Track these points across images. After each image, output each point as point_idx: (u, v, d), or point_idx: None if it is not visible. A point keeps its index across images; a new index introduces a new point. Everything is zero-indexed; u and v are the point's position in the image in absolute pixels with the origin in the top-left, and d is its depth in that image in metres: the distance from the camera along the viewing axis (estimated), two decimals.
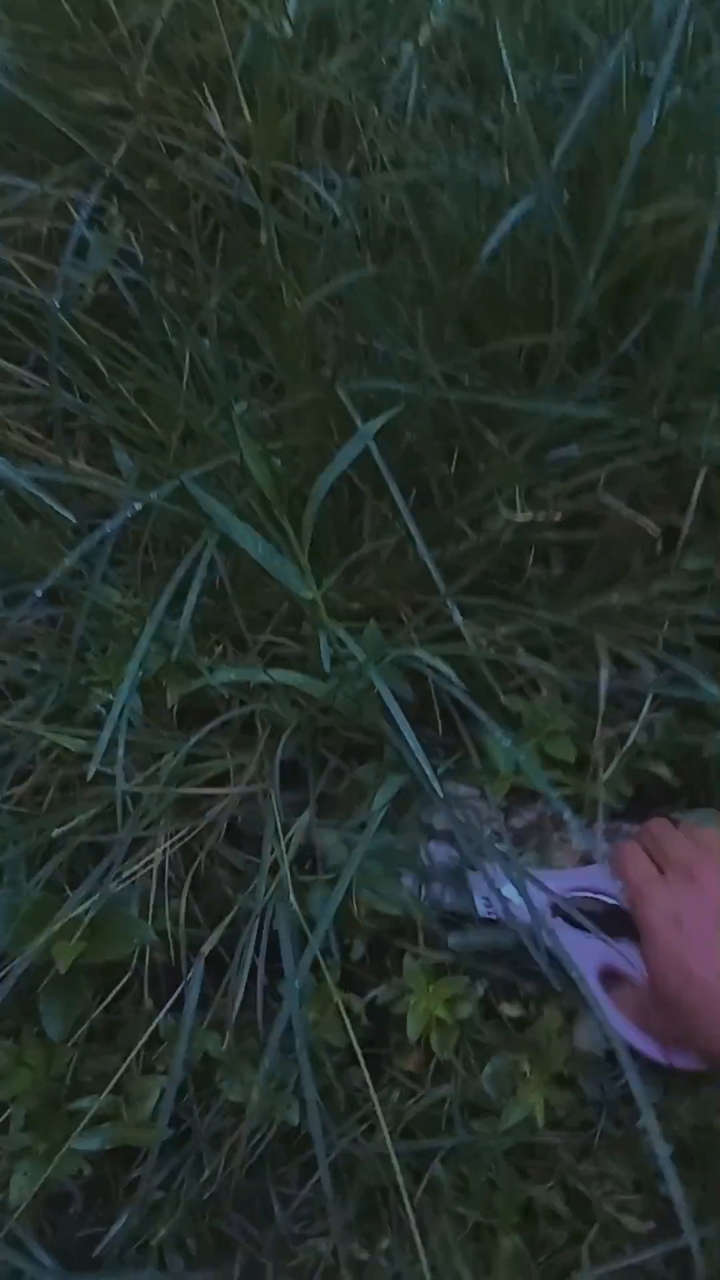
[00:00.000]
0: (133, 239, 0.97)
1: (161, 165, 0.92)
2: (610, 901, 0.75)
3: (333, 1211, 0.74)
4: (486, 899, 0.77)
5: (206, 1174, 0.76)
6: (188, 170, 0.89)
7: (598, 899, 0.76)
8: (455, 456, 0.87)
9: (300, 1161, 0.80)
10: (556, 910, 0.74)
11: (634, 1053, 0.68)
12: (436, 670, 0.76)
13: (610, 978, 0.73)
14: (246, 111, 0.87)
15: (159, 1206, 0.77)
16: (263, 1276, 0.78)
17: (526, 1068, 0.76)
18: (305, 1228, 0.80)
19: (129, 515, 0.76)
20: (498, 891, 0.75)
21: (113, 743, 0.71)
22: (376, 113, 0.87)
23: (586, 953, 0.72)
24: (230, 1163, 0.75)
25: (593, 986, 0.70)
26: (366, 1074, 0.71)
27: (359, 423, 0.82)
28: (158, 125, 0.91)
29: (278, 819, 0.75)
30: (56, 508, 0.75)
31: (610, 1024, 0.69)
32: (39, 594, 0.74)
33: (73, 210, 0.95)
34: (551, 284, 0.80)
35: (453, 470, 0.87)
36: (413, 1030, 0.74)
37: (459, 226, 0.79)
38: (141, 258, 0.94)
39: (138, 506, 0.77)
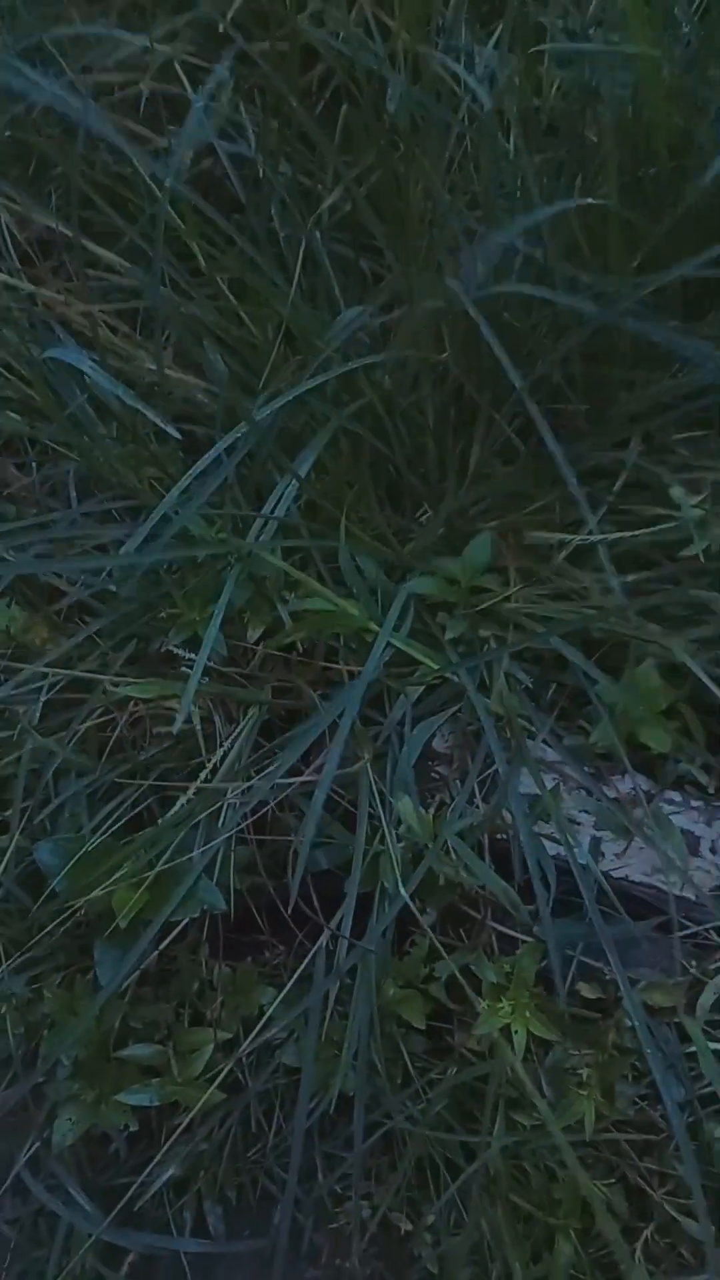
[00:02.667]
0: (241, 108, 0.86)
1: (284, 21, 0.80)
2: None
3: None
4: None
5: (253, 1129, 0.74)
6: (313, 29, 0.77)
7: None
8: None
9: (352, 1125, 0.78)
10: None
11: None
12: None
13: None
14: None
15: (201, 1155, 0.75)
16: (301, 1234, 0.76)
17: (584, 1073, 0.72)
18: (349, 1189, 0.77)
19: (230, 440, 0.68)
20: None
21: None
22: None
23: None
24: (279, 1124, 0.72)
25: None
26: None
27: (487, 335, 0.72)
28: None
29: (372, 787, 0.69)
30: (157, 420, 0.66)
31: None
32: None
33: (179, 70, 0.84)
34: None
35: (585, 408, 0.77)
36: (487, 1010, 0.70)
37: (646, 122, 0.67)
38: (252, 131, 0.83)
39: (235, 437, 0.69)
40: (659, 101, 0.67)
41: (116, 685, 0.69)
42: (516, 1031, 0.67)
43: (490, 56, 0.77)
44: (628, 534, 0.70)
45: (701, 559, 0.68)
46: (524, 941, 0.73)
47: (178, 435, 0.68)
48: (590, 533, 0.70)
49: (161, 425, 0.65)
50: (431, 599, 0.76)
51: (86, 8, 0.85)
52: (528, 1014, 0.67)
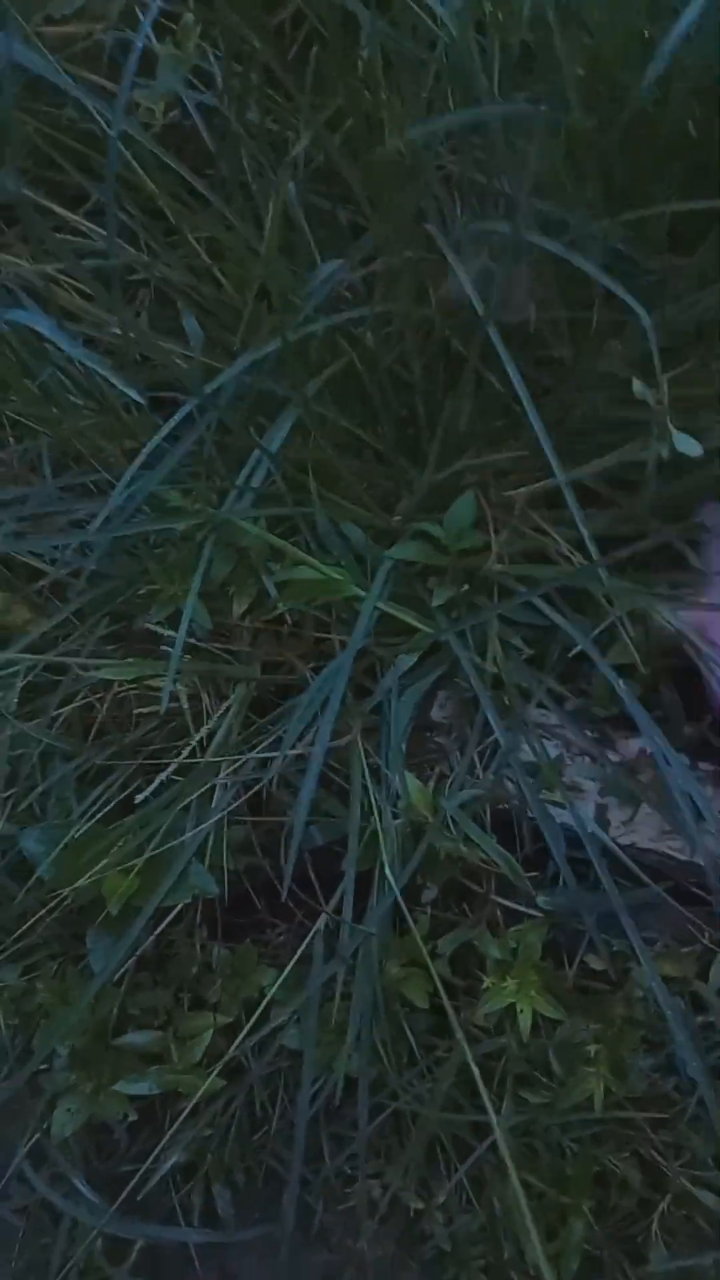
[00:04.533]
0: (209, 55, 0.82)
1: None
2: None
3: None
4: None
5: (259, 1113, 0.72)
6: None
7: None
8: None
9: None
10: None
11: None
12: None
13: None
14: None
15: (207, 1140, 0.74)
16: (311, 1216, 0.75)
17: (593, 1048, 0.70)
18: (358, 1170, 0.76)
19: (197, 402, 0.65)
20: None
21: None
22: None
23: None
24: (284, 1107, 0.70)
25: None
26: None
27: (466, 284, 0.69)
28: None
29: (363, 760, 0.66)
30: (123, 386, 0.63)
31: None
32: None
33: (140, 15, 0.80)
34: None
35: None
36: (492, 989, 0.68)
37: (616, 44, 0.63)
38: (219, 78, 0.79)
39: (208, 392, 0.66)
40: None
41: (96, 668, 0.67)
42: (522, 1011, 0.65)
43: None
44: (586, 470, 0.67)
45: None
46: (529, 916, 0.71)
47: (141, 400, 0.65)
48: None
49: (122, 388, 0.62)
50: (419, 565, 0.73)
51: None
52: (533, 993, 0.65)
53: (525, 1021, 0.66)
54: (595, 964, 0.72)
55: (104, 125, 0.78)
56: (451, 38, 0.72)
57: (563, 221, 0.67)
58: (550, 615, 0.72)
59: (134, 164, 0.78)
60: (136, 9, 0.81)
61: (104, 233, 0.81)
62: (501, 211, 0.72)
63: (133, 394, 0.63)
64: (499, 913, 0.73)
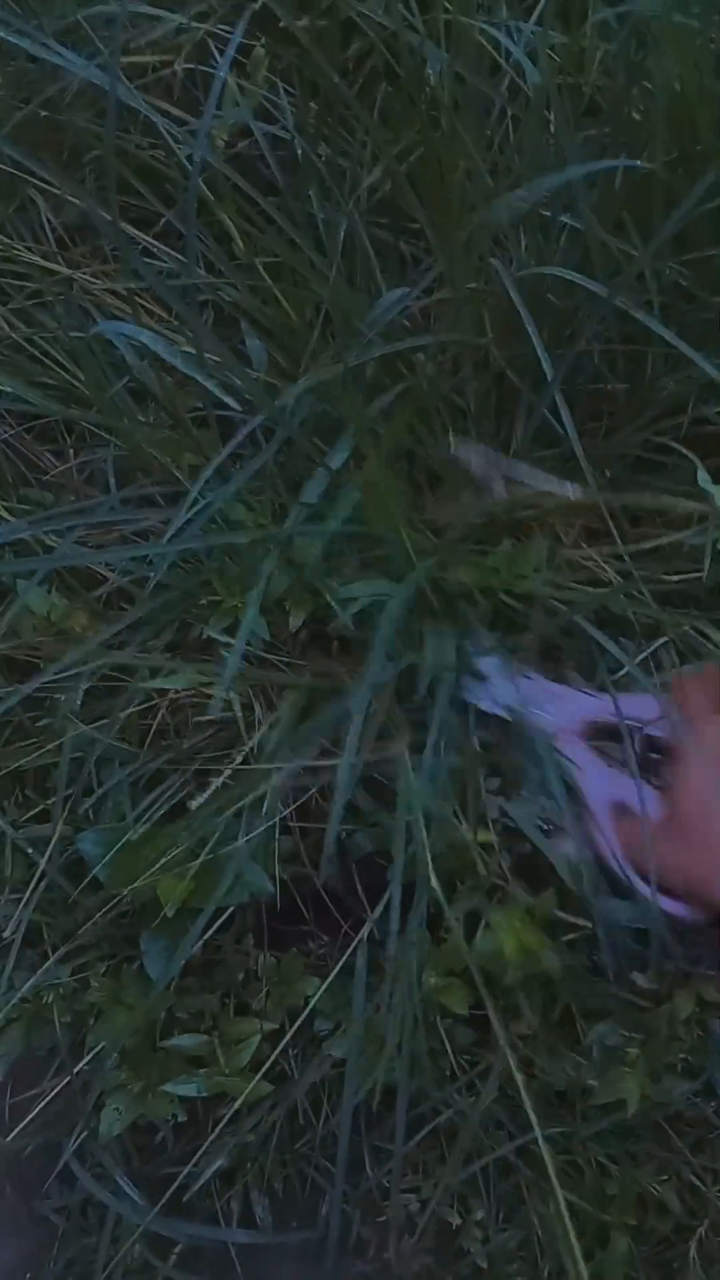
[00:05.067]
0: (279, 88, 0.85)
1: None
2: (643, 731, 0.70)
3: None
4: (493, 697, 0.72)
5: (301, 1121, 0.73)
6: (354, 2, 0.76)
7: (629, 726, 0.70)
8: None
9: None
10: (589, 732, 0.71)
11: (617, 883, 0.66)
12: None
13: (621, 812, 0.68)
14: None
15: (248, 1146, 0.74)
16: (349, 1227, 0.75)
17: (634, 1051, 0.70)
18: (397, 1182, 0.76)
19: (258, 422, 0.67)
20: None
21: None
22: None
23: (599, 778, 0.69)
24: (327, 1116, 0.71)
25: (597, 808, 0.68)
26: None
27: (525, 318, 0.71)
28: None
29: (409, 769, 0.68)
30: (221, 395, 0.65)
31: (605, 845, 0.66)
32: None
33: (213, 49, 0.83)
34: None
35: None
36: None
37: (690, 90, 0.65)
38: (290, 112, 0.82)
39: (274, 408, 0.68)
40: (703, 76, 0.66)
41: (153, 675, 0.68)
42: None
43: (531, 33, 0.76)
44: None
45: None
46: (577, 925, 0.71)
47: (236, 406, 0.67)
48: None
49: (220, 395, 0.64)
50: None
51: None
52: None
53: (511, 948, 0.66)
54: (642, 981, 0.72)
55: (171, 150, 0.81)
56: (521, 77, 0.75)
57: (626, 255, 0.69)
58: (594, 634, 0.73)
59: (205, 190, 0.80)
60: (210, 42, 0.84)
61: (173, 253, 0.84)
62: (562, 245, 0.75)
63: (231, 403, 0.65)
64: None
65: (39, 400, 0.73)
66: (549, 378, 0.71)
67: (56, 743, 0.72)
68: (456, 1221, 0.73)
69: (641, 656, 0.74)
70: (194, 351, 0.71)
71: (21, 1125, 0.70)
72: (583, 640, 0.74)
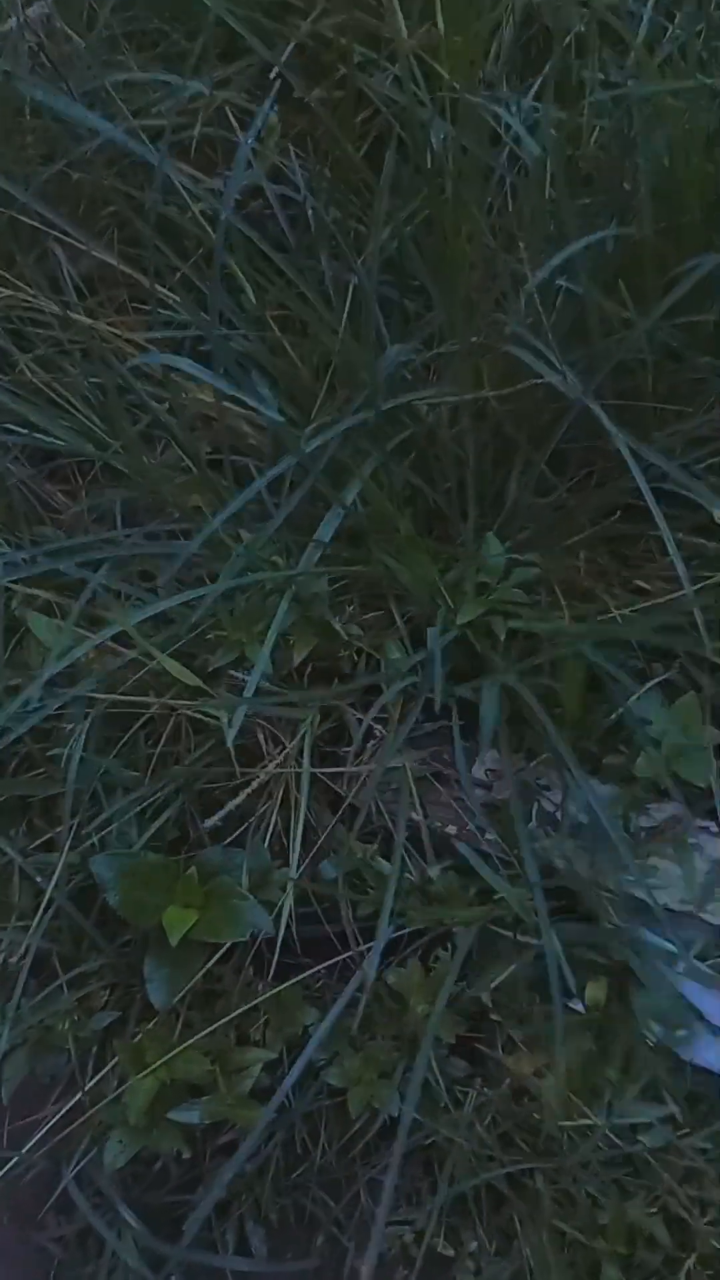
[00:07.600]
0: (291, 152, 0.89)
1: (334, 70, 0.83)
2: None
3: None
4: None
5: (298, 1151, 0.74)
6: (365, 77, 0.81)
7: None
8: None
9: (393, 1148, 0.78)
10: None
11: None
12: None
13: None
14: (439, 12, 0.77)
15: (244, 1176, 0.75)
16: (344, 1258, 0.76)
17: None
18: (390, 1213, 0.77)
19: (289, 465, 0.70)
20: None
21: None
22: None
23: None
24: (323, 1146, 0.72)
25: None
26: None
27: (533, 365, 0.74)
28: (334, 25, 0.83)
29: (413, 792, 0.70)
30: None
31: None
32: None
33: (231, 116, 0.87)
34: None
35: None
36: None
37: (679, 167, 0.70)
38: (301, 175, 0.86)
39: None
40: (693, 153, 0.70)
41: (159, 704, 0.70)
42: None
43: (531, 107, 0.81)
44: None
45: None
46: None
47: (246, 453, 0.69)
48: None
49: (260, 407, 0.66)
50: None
51: (143, 55, 0.88)
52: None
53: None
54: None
55: (187, 206, 0.85)
56: (520, 148, 0.79)
57: (621, 320, 0.73)
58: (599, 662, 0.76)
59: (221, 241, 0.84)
60: (228, 109, 0.88)
61: (181, 300, 0.88)
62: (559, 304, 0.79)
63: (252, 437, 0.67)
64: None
65: (68, 437, 0.76)
66: (553, 423, 0.74)
67: (63, 773, 0.74)
68: (450, 1253, 0.74)
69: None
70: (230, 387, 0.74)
71: (23, 1150, 0.71)
72: None
